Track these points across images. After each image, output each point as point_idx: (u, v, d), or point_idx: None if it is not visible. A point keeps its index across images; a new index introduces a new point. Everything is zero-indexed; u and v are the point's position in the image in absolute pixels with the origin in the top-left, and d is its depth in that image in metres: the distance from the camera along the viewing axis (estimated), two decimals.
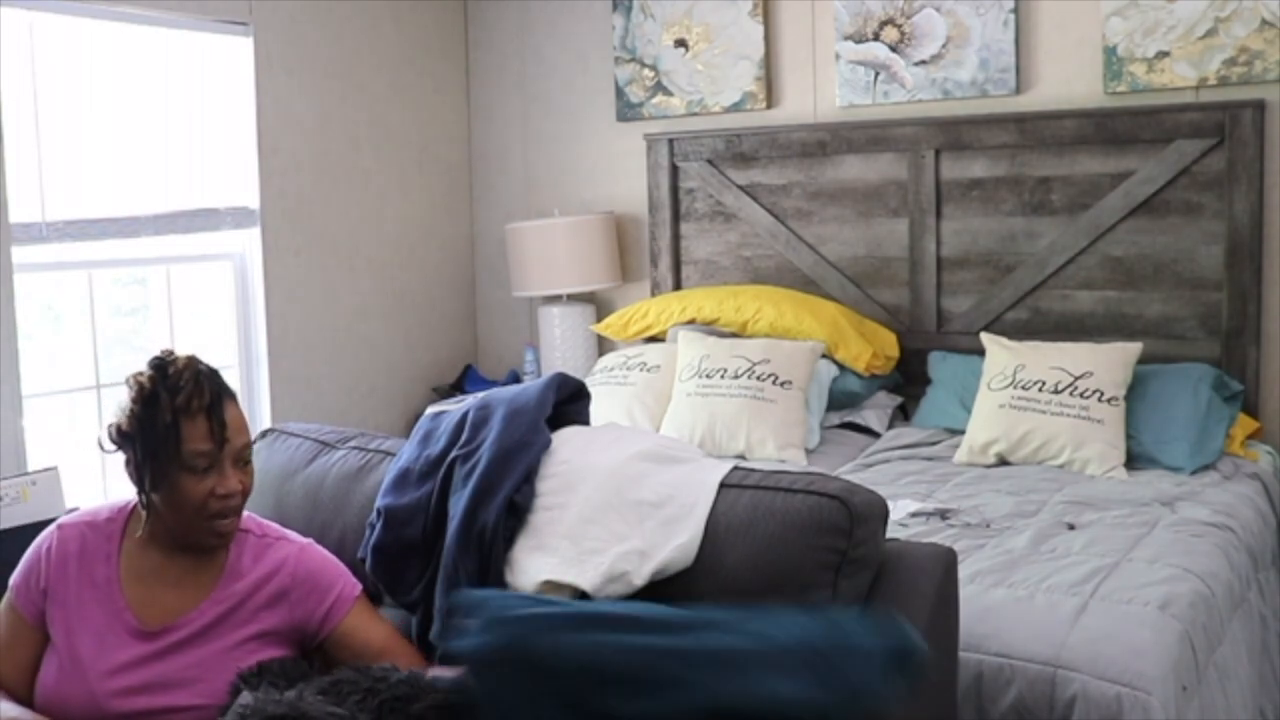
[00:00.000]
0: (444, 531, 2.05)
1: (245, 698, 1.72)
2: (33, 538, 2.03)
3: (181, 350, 1.94)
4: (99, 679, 1.85)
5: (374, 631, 1.98)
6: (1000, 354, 3.71)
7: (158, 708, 1.85)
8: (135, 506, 1.96)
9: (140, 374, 1.87)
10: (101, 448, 1.91)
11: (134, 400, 1.86)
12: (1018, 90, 3.99)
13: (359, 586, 2.02)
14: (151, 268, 3.92)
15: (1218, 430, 3.46)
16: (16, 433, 3.37)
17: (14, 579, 1.95)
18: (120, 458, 1.91)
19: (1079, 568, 2.57)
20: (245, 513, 1.99)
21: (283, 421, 2.90)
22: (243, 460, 1.90)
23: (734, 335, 4.13)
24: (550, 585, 1.92)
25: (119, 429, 1.88)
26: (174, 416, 1.82)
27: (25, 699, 1.90)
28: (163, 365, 1.87)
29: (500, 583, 1.96)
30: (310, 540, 2.05)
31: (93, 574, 1.92)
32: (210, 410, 1.84)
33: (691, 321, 4.22)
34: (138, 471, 1.87)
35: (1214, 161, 3.68)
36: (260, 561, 1.96)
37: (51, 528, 1.98)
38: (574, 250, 4.55)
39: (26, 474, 3.21)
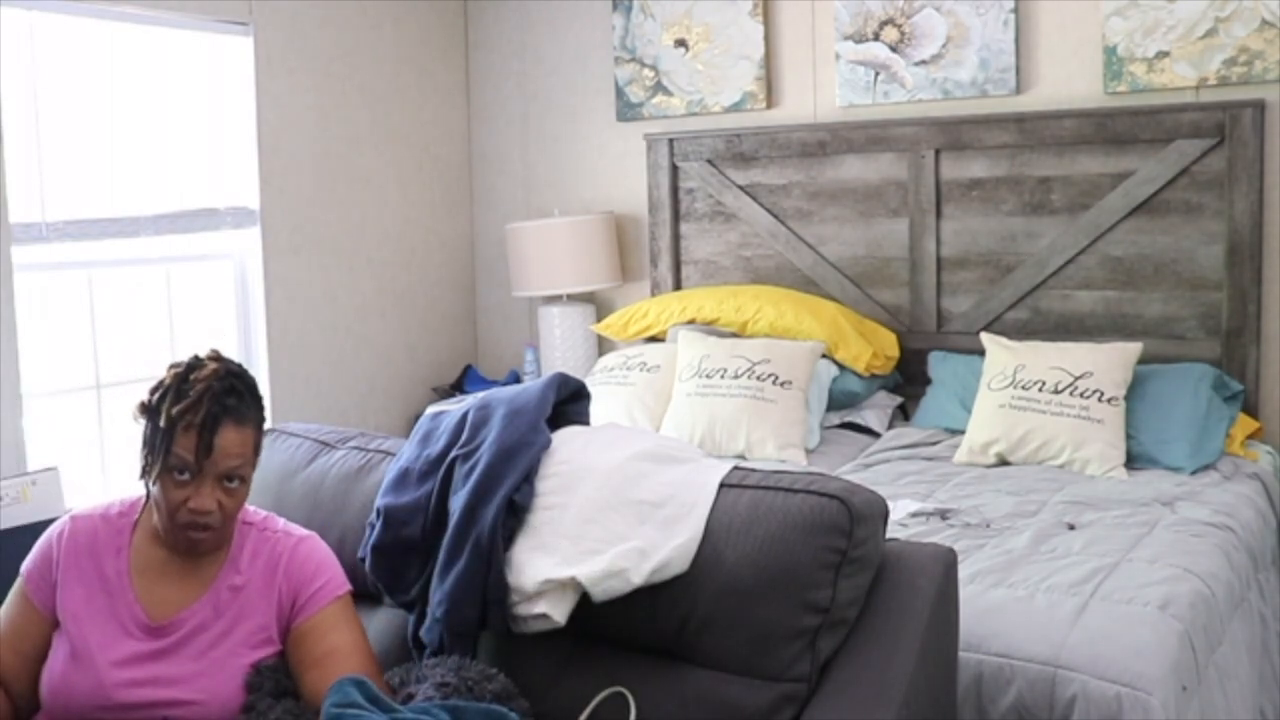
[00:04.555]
0: (444, 531, 2.06)
1: None
2: (32, 538, 2.05)
3: (215, 353, 1.99)
4: (107, 669, 1.88)
5: (332, 637, 1.95)
6: (1000, 354, 3.71)
7: (161, 700, 1.88)
8: (145, 501, 2.00)
9: (176, 365, 1.94)
10: (134, 417, 1.96)
11: (152, 390, 1.93)
12: (1018, 90, 3.99)
13: (345, 588, 2.01)
14: (151, 268, 3.92)
15: (1218, 430, 3.46)
16: (16, 433, 3.37)
17: (27, 567, 1.99)
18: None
19: (1079, 568, 2.57)
20: (253, 507, 2.05)
21: (283, 421, 2.90)
22: (228, 479, 1.90)
23: (734, 335, 4.13)
24: (550, 583, 1.92)
25: (142, 405, 1.94)
26: (170, 422, 1.86)
27: (26, 689, 1.93)
28: (192, 367, 1.93)
29: (500, 583, 1.96)
30: (312, 534, 2.07)
31: (104, 566, 1.95)
32: (202, 428, 1.86)
33: (691, 321, 4.22)
34: (141, 452, 1.93)
35: (1214, 161, 3.68)
36: (258, 555, 1.99)
37: (65, 518, 2.01)
38: (574, 250, 4.55)
39: (26, 474, 3.22)
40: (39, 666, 1.93)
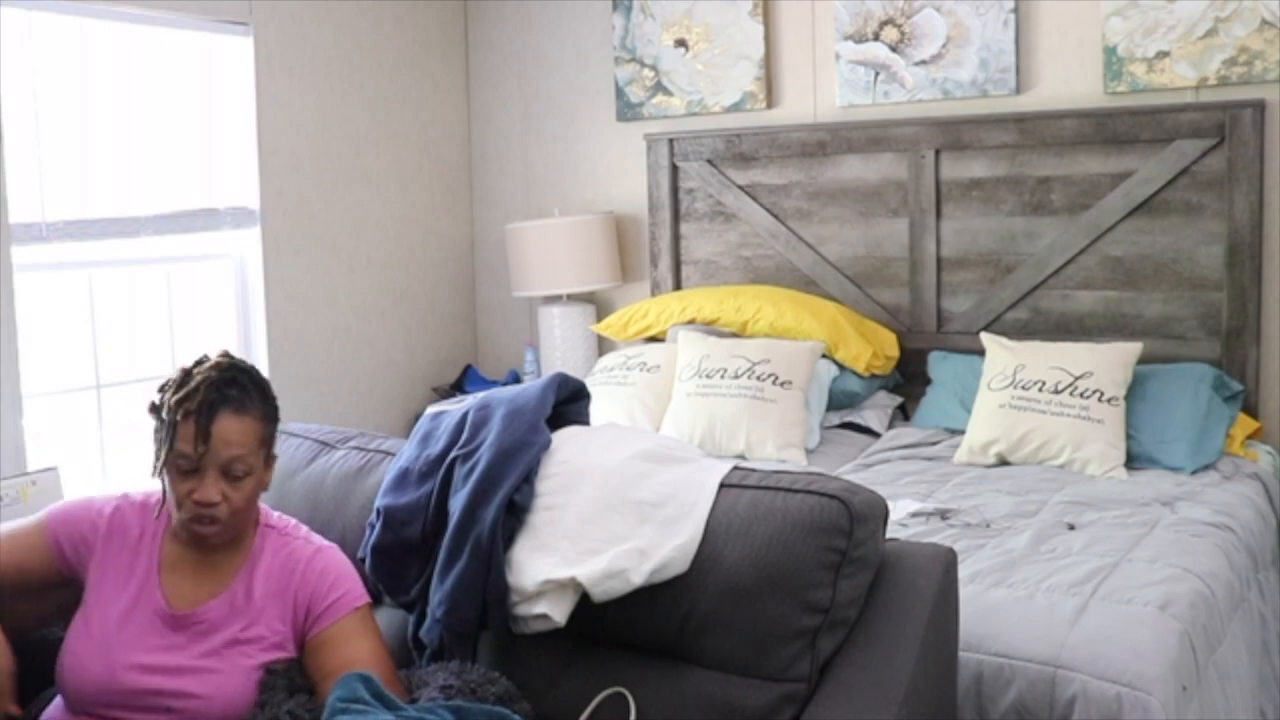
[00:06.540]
0: (444, 531, 2.06)
1: None
2: None
3: (225, 352, 2.01)
4: (122, 651, 1.90)
5: (348, 649, 1.94)
6: (1000, 354, 3.71)
7: (168, 690, 1.89)
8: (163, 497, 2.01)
9: (185, 365, 1.96)
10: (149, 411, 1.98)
11: (160, 388, 1.95)
12: (1018, 90, 3.99)
13: (363, 600, 2.01)
14: (151, 268, 3.92)
15: (1218, 430, 3.46)
16: (16, 433, 3.37)
17: (61, 510, 2.01)
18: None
19: (1079, 568, 2.57)
20: (275, 512, 2.07)
21: (283, 421, 2.89)
22: (231, 474, 1.90)
23: (734, 335, 4.13)
24: (550, 583, 1.92)
25: (151, 404, 1.96)
26: (170, 415, 1.89)
27: None
28: (198, 362, 1.95)
29: (501, 583, 1.96)
30: (332, 545, 2.07)
31: (137, 552, 1.98)
32: (199, 415, 1.87)
33: (691, 321, 4.22)
34: (155, 449, 1.94)
35: (1214, 161, 3.68)
36: (276, 558, 1.99)
37: (117, 495, 2.03)
38: (574, 250, 4.55)
39: (26, 474, 3.22)
40: (9, 585, 1.95)
